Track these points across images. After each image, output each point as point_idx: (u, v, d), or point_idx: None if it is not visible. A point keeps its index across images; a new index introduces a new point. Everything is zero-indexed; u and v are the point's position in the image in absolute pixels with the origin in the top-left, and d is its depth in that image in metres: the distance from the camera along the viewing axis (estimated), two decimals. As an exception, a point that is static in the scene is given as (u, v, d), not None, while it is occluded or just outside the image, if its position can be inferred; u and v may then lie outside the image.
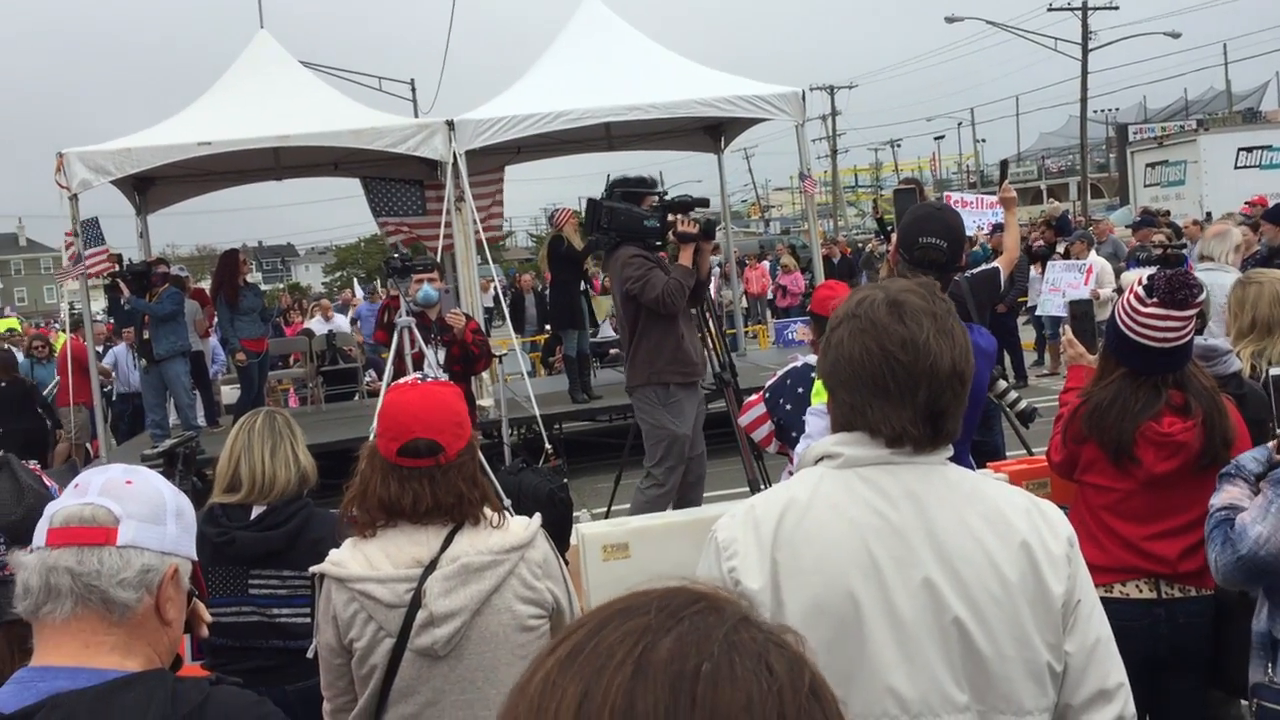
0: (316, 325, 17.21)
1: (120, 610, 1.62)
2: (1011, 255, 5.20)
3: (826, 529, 1.80)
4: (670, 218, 6.62)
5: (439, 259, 9.61)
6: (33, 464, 2.50)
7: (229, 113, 11.40)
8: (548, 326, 18.33)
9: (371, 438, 6.90)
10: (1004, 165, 6.00)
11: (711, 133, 14.24)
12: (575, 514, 6.45)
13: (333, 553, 2.59)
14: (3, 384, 13.18)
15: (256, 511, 3.29)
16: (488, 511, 2.61)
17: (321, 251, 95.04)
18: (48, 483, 2.40)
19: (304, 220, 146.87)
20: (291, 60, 12.86)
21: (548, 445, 9.31)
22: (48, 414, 13.60)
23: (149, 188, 13.41)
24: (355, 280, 38.42)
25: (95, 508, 1.62)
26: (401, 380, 2.77)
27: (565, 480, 6.52)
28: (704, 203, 7.38)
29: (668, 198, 6.98)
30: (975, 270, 4.89)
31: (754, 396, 4.64)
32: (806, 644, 0.84)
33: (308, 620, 3.19)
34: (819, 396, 4.08)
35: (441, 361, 7.17)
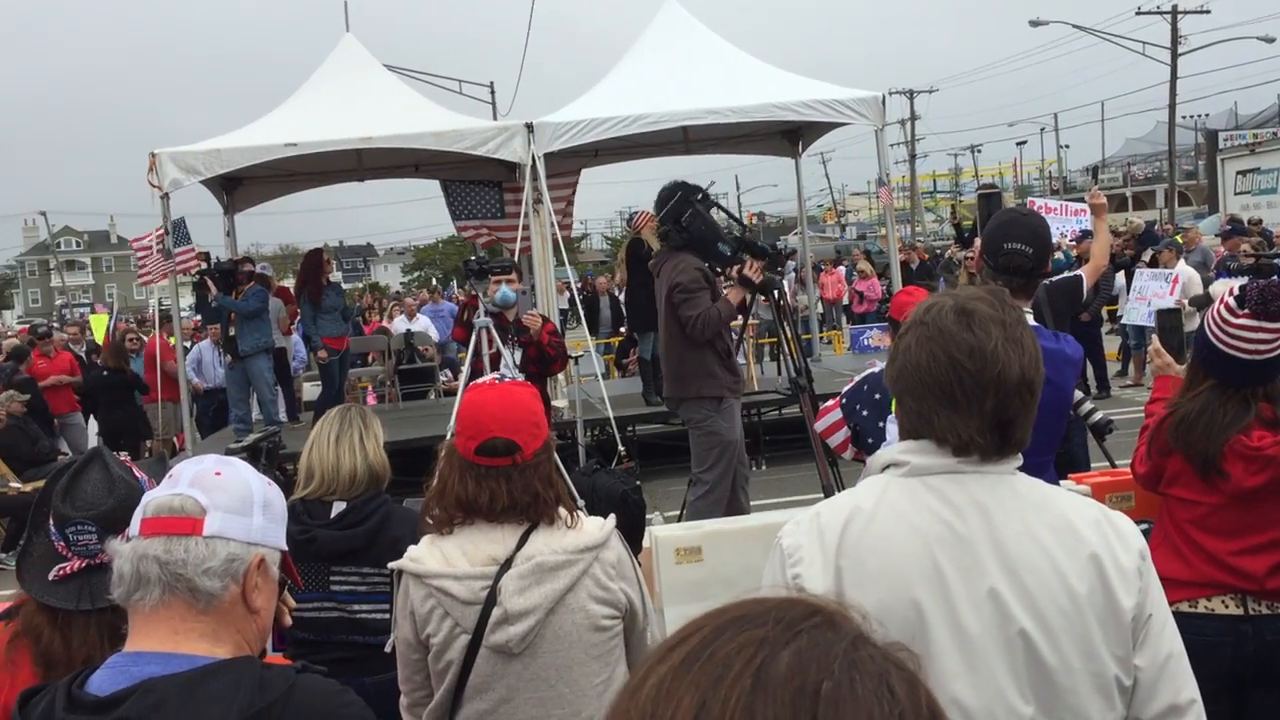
0: (399, 324, 17.46)
1: (206, 599, 1.66)
2: (1099, 263, 5.10)
3: (891, 537, 1.79)
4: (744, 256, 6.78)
5: (516, 260, 9.68)
6: (123, 455, 2.58)
7: (314, 115, 11.62)
8: (621, 329, 18.41)
9: (450, 436, 6.99)
10: (1095, 170, 5.91)
11: (789, 137, 14.18)
12: (648, 516, 6.48)
13: (411, 549, 2.64)
14: (107, 371, 13.68)
15: (337, 509, 3.35)
16: (563, 511, 2.64)
17: (400, 252, 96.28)
18: (138, 474, 2.46)
19: (383, 221, 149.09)
20: (376, 63, 13.07)
21: (621, 447, 9.34)
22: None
23: (236, 188, 13.72)
24: (434, 280, 38.83)
25: (184, 498, 1.67)
26: (480, 380, 2.80)
27: (639, 483, 6.56)
28: (788, 256, 7.48)
29: (758, 241, 7.11)
30: (1055, 278, 4.80)
31: (830, 402, 4.62)
32: (920, 663, 0.83)
33: (386, 617, 3.24)
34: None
35: (518, 362, 7.22)
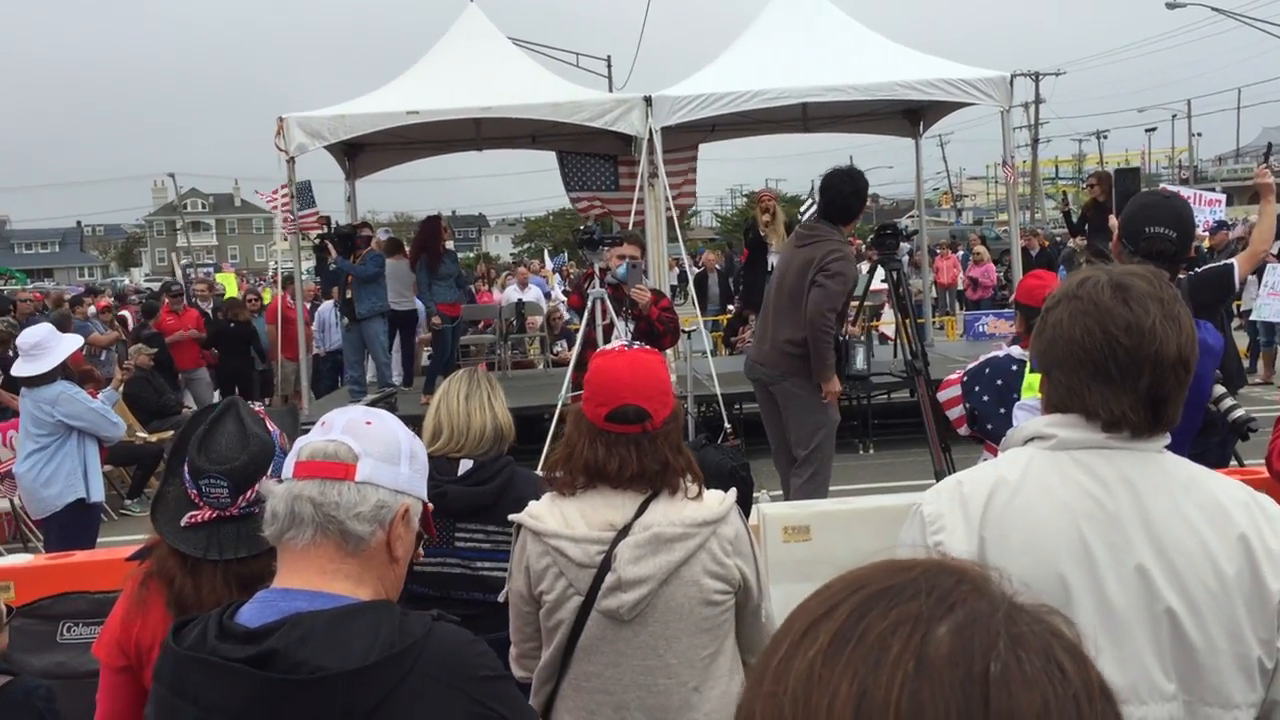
0: (511, 293, 17.66)
1: (355, 542, 1.71)
2: (1256, 250, 4.83)
3: (1036, 510, 1.78)
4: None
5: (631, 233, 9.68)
6: (257, 406, 2.63)
7: (436, 84, 11.77)
8: (730, 306, 18.34)
9: (562, 404, 7.02)
10: (1269, 147, 5.65)
11: (910, 117, 13.91)
12: (754, 494, 6.45)
13: (532, 504, 2.67)
14: (233, 324, 14.18)
15: (464, 467, 3.40)
16: (686, 482, 2.63)
17: (512, 223, 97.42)
18: (270, 427, 2.52)
19: (496, 192, 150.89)
20: (499, 34, 13.16)
21: (727, 424, 9.32)
22: (260, 360, 14.52)
23: (358, 154, 13.99)
24: (545, 251, 39.18)
25: (338, 444, 1.72)
26: (610, 346, 2.80)
27: (747, 461, 6.53)
28: (908, 237, 7.44)
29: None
30: (1200, 269, 4.61)
31: (954, 374, 4.55)
32: (1076, 628, 0.79)
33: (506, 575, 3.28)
34: (1030, 390, 3.95)
35: (630, 335, 7.24)
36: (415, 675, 1.61)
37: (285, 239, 14.88)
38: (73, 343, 6.86)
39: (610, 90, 26.84)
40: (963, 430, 4.70)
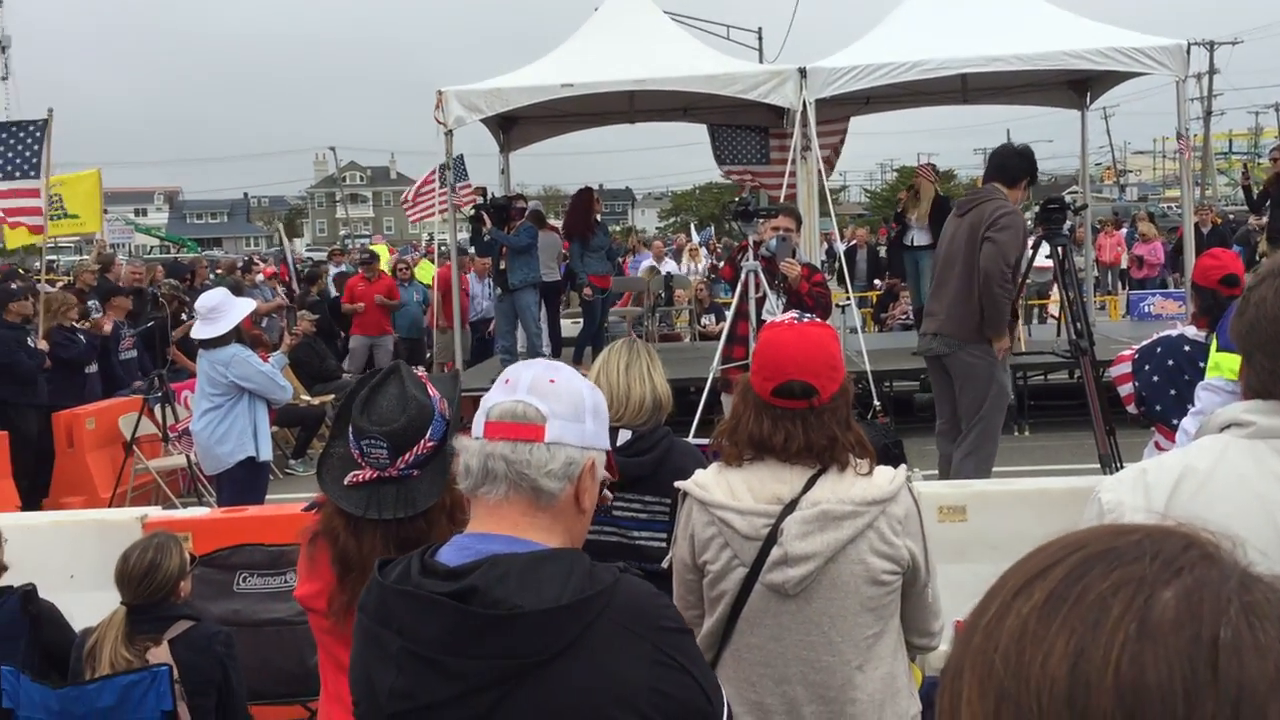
0: (645, 264, 17.73)
1: (546, 497, 1.76)
2: None
3: (1228, 501, 1.67)
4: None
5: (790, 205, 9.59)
6: (420, 370, 2.70)
7: (590, 57, 11.85)
8: (877, 281, 18.03)
9: (712, 374, 6.99)
10: None
11: (1076, 88, 13.36)
12: (907, 473, 6.33)
13: (699, 473, 2.67)
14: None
15: (623, 437, 3.42)
16: (856, 459, 2.59)
17: (658, 197, 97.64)
18: (431, 392, 2.58)
19: (643, 166, 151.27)
20: (652, 7, 13.16)
21: (876, 402, 9.18)
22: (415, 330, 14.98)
23: (512, 127, 14.20)
24: (692, 226, 39.18)
25: (526, 405, 1.76)
26: (781, 318, 2.77)
27: (899, 439, 6.42)
28: (1078, 210, 7.25)
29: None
30: None
31: (1127, 351, 4.39)
32: None
33: (663, 545, 3.30)
34: (1215, 370, 3.77)
35: (781, 309, 7.19)
36: (604, 620, 1.66)
37: (415, 216, 15.13)
38: (246, 307, 7.17)
39: (761, 63, 26.60)
40: (1131, 408, 4.54)
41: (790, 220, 7.26)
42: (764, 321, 7.45)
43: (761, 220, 7.14)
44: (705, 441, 4.26)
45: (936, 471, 7.15)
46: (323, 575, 2.54)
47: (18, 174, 9.90)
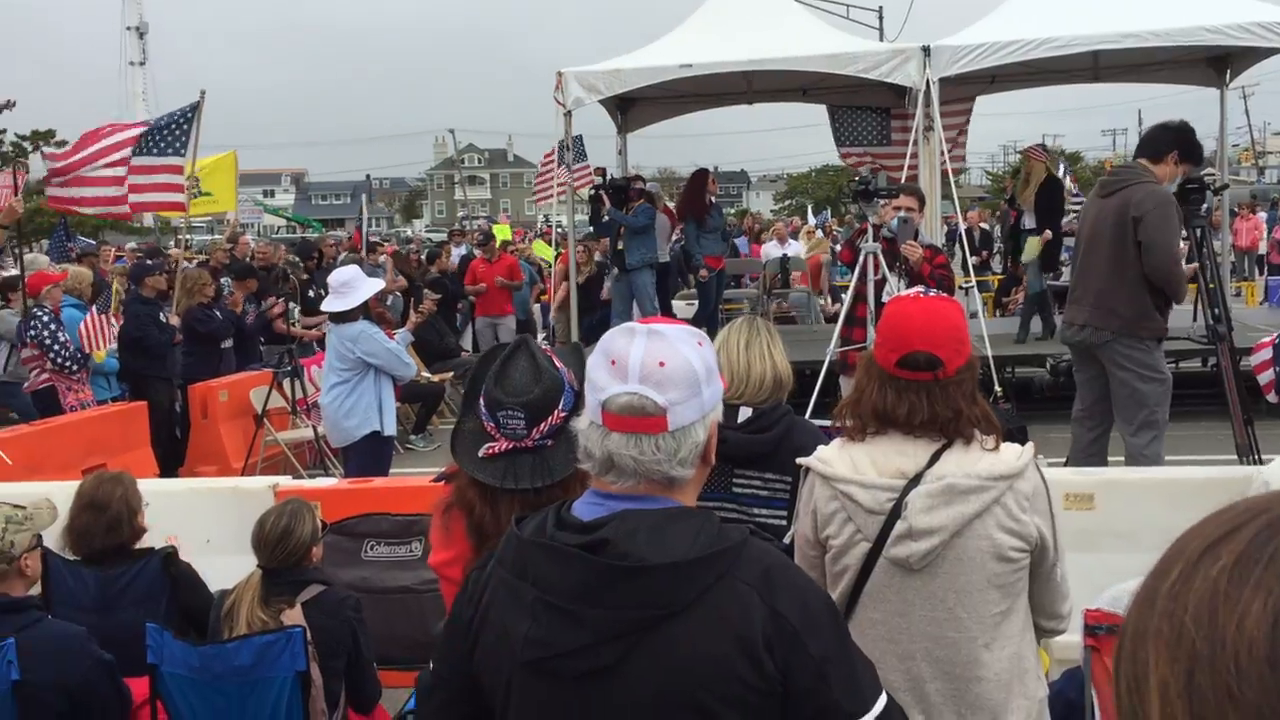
0: (771, 249, 17.62)
1: (680, 481, 1.79)
2: None
3: None
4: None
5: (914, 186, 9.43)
6: (544, 344, 2.73)
7: (709, 37, 11.79)
8: (992, 265, 17.63)
9: (829, 355, 6.91)
10: None
11: (1215, 65, 12.83)
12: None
13: (821, 450, 2.66)
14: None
15: (744, 415, 3.43)
16: (981, 433, 2.55)
17: (773, 179, 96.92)
18: (557, 364, 2.61)
19: (758, 148, 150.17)
20: (776, -13, 13.03)
21: (997, 387, 8.99)
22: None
23: (630, 108, 14.23)
24: (808, 208, 38.80)
25: (642, 398, 1.74)
26: (907, 292, 2.74)
27: (1024, 424, 6.27)
28: (1218, 190, 7.00)
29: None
30: None
31: (1268, 338, 4.23)
32: None
33: (783, 523, 3.30)
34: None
35: (901, 291, 7.08)
36: (731, 578, 1.68)
37: (541, 198, 15.21)
38: (375, 285, 7.36)
39: (881, 42, 26.15)
40: (1271, 397, 4.37)
41: (913, 200, 7.12)
42: (884, 305, 7.36)
43: (882, 201, 7.03)
44: (825, 423, 4.24)
45: (1063, 459, 6.97)
46: (457, 544, 2.59)
47: (170, 151, 10.30)
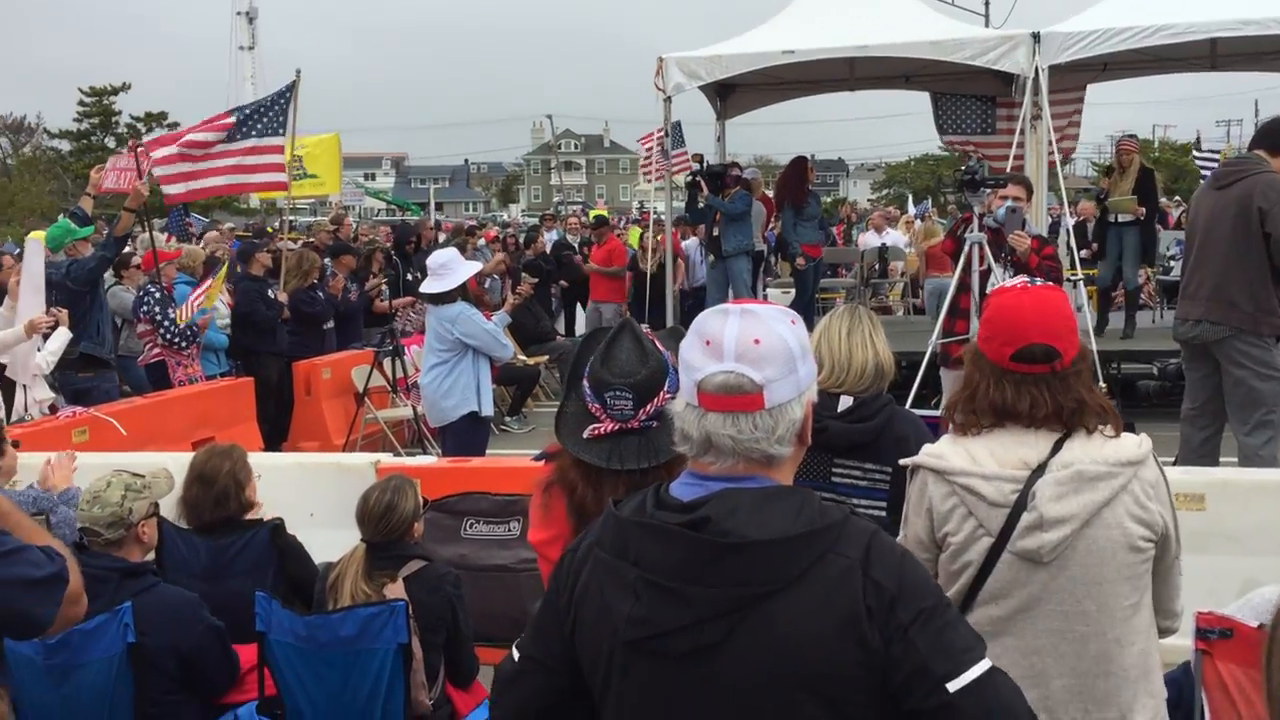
0: (868, 238, 17.41)
1: (778, 460, 1.79)
2: None
3: None
4: None
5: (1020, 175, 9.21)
6: (645, 327, 2.74)
7: (812, 23, 11.67)
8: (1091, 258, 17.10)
9: (931, 347, 6.78)
10: None
11: (1340, 53, 12.31)
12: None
13: (931, 446, 2.61)
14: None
15: (844, 404, 3.40)
16: (1102, 422, 2.49)
17: (871, 168, 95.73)
18: (659, 346, 2.61)
19: (854, 137, 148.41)
20: (881, -28, 12.84)
21: (1101, 382, 8.77)
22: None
23: (729, 94, 14.16)
24: (909, 197, 38.23)
25: (739, 376, 1.74)
26: (1009, 283, 2.69)
27: (1131, 421, 6.11)
28: None
29: None
30: None
31: None
32: None
33: (883, 514, 3.27)
34: None
35: (1006, 282, 6.94)
36: (833, 555, 1.68)
37: (649, 180, 15.28)
38: (473, 267, 7.45)
39: (987, 28, 25.61)
40: None
41: (1021, 190, 6.97)
42: (989, 295, 7.22)
43: (989, 190, 6.89)
44: (926, 413, 4.18)
45: (1172, 459, 6.78)
46: (557, 524, 2.62)
47: (267, 131, 10.56)
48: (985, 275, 6.92)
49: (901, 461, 2.69)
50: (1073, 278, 10.42)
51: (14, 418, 7.14)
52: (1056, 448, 2.47)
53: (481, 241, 17.30)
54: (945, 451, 2.56)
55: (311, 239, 14.93)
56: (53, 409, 7.50)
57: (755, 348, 1.76)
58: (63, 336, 7.44)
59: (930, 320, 11.53)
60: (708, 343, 1.78)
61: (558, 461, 2.64)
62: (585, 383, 2.52)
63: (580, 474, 2.53)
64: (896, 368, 3.64)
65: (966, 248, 7.01)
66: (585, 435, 2.49)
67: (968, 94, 13.24)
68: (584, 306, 15.43)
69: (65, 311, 7.57)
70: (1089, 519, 2.41)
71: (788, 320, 1.81)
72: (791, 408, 1.77)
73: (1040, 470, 2.44)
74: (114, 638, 3.57)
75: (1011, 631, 2.50)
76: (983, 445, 2.53)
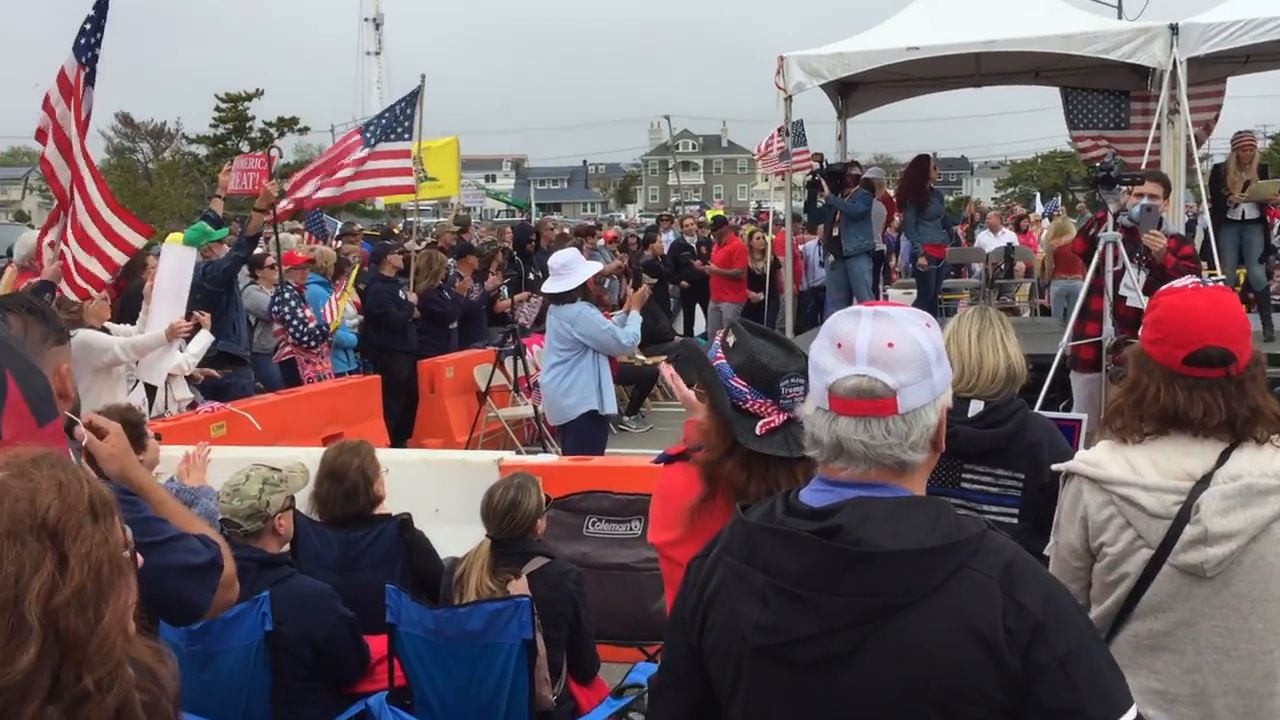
0: (986, 238, 17.02)
1: (911, 467, 1.75)
2: None
3: None
4: None
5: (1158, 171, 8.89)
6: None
7: (937, 19, 11.44)
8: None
9: (1062, 349, 6.56)
10: None
11: None
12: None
13: (1087, 452, 2.53)
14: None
15: (975, 408, 3.33)
16: (1272, 433, 2.39)
17: (995, 166, 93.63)
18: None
19: (976, 134, 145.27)
20: (1005, -36, 12.54)
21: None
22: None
23: (851, 92, 13.98)
24: (1037, 196, 37.26)
25: (871, 380, 1.71)
26: (1179, 283, 2.57)
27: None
28: None
29: None
30: None
31: None
32: None
33: (1014, 521, 3.19)
34: None
35: (1141, 283, 6.71)
36: (969, 569, 1.63)
37: (767, 179, 15.17)
38: (593, 267, 7.52)
39: (1121, 20, 24.78)
40: None
41: (1157, 187, 6.73)
42: (1123, 297, 6.99)
43: (1124, 187, 6.66)
44: (1057, 416, 4.06)
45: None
46: (679, 524, 2.59)
47: (393, 136, 10.82)
48: (1119, 276, 6.70)
49: (1055, 467, 2.62)
50: (1213, 278, 10.00)
51: (154, 413, 7.45)
52: (1223, 458, 2.38)
53: (600, 242, 17.41)
54: (1103, 459, 2.48)
55: (436, 240, 15.24)
56: (192, 406, 7.79)
57: (889, 351, 1.72)
58: (205, 339, 7.72)
59: (1057, 322, 11.21)
60: (839, 345, 1.75)
61: (710, 468, 2.53)
62: (737, 383, 2.48)
63: (750, 473, 2.47)
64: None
65: (1100, 247, 6.79)
66: (759, 430, 2.45)
67: (1100, 88, 12.84)
68: (703, 307, 15.42)
69: (208, 315, 7.84)
70: (1256, 534, 2.32)
71: (922, 323, 1.77)
72: (926, 413, 1.73)
73: (1205, 482, 2.36)
74: (253, 626, 3.70)
75: (1171, 647, 2.42)
76: (1143, 454, 2.44)
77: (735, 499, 2.49)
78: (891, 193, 14.90)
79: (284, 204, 10.47)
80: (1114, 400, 2.54)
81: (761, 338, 2.52)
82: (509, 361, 10.16)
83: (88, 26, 7.15)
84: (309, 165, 11.05)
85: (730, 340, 2.54)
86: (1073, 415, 4.30)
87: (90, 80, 7.12)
